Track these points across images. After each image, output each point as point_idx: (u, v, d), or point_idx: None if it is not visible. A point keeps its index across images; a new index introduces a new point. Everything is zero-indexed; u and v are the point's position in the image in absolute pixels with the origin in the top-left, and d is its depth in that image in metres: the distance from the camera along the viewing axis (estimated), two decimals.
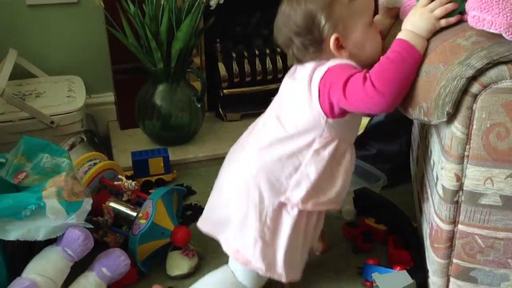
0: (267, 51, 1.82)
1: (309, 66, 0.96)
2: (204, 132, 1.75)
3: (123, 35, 1.56)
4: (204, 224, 1.07)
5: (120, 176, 1.27)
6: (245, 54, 1.81)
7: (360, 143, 1.47)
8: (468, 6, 0.84)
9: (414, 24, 0.87)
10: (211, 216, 1.06)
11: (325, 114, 0.93)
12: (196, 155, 1.65)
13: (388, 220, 1.26)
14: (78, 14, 1.75)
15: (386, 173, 1.36)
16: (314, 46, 0.94)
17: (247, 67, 1.81)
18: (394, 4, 1.04)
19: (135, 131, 1.77)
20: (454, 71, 0.81)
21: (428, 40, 0.89)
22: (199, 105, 1.65)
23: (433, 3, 0.87)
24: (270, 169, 0.97)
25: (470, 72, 0.80)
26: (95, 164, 1.26)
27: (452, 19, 0.87)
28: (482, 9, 0.81)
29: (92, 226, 1.05)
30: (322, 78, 0.92)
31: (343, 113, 0.94)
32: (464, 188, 0.88)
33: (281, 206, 0.97)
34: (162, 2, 1.50)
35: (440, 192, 0.92)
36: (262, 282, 1.05)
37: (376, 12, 1.03)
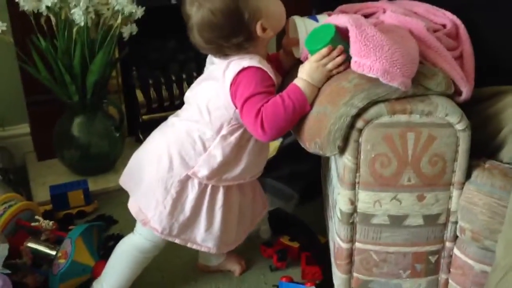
0: (184, 76, 1.88)
1: (227, 65, 1.04)
2: (125, 159, 1.73)
3: (35, 70, 1.56)
4: (123, 180, 1.19)
5: (37, 217, 1.28)
6: (162, 80, 1.86)
7: (274, 164, 1.57)
8: (351, 52, 0.94)
9: (310, 75, 0.98)
10: (129, 174, 1.17)
11: (234, 105, 1.03)
12: (117, 184, 1.64)
13: (300, 238, 1.36)
14: None
15: (300, 191, 1.46)
16: (248, 41, 1.02)
17: (164, 93, 1.86)
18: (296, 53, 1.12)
19: (54, 162, 1.76)
20: (340, 110, 0.91)
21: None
22: (117, 135, 1.68)
23: (325, 59, 0.97)
24: (183, 144, 1.08)
25: (354, 111, 0.91)
26: (10, 206, 1.26)
27: (341, 68, 0.97)
28: (362, 55, 0.91)
29: (9, 271, 1.06)
30: (235, 76, 1.01)
31: None
32: (358, 210, 0.99)
33: (187, 178, 1.08)
34: (74, 36, 1.52)
35: (338, 214, 1.02)
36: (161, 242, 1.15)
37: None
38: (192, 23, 1.02)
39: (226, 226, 1.13)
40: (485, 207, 0.90)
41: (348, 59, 0.95)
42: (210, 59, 1.11)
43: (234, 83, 1.01)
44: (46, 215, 1.47)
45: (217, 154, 1.07)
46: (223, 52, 1.04)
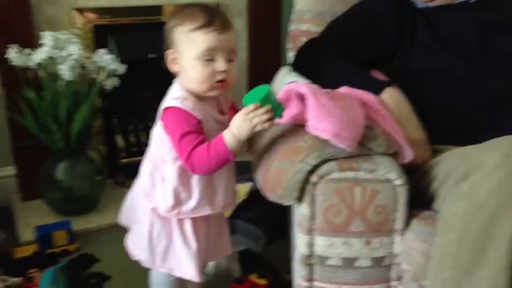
0: None
1: (169, 90, 1.14)
2: (105, 200, 1.88)
3: (23, 118, 1.68)
4: (121, 218, 1.30)
5: (1, 277, 1.34)
6: (141, 126, 2.00)
7: (244, 206, 1.71)
8: (307, 115, 1.08)
9: (237, 127, 1.05)
10: (125, 210, 1.29)
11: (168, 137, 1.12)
12: (98, 224, 1.78)
13: (268, 276, 1.49)
14: None
15: (267, 232, 1.59)
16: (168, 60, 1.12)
17: (143, 138, 1.99)
18: None
19: (37, 203, 1.86)
20: (297, 167, 1.06)
21: (278, 140, 1.13)
22: (99, 178, 1.80)
23: (252, 114, 1.04)
24: (145, 181, 1.18)
25: (308, 168, 1.05)
26: None
27: (266, 125, 1.05)
28: (316, 120, 1.05)
29: None
30: (162, 114, 1.10)
31: None
32: (315, 253, 1.12)
33: (153, 213, 1.17)
34: (60, 89, 1.64)
35: (299, 256, 1.15)
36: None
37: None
38: None
39: (201, 253, 1.21)
40: (421, 252, 1.04)
41: (273, 118, 1.05)
42: None
43: (162, 119, 1.10)
44: (33, 256, 1.58)
45: (167, 184, 1.14)
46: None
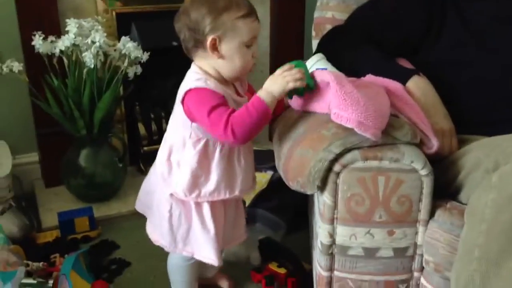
0: None
1: (191, 69, 1.15)
2: (126, 188, 1.90)
3: (47, 105, 1.70)
4: (137, 205, 1.32)
5: (25, 261, 1.36)
6: (163, 114, 2.00)
7: (265, 195, 1.70)
8: (331, 105, 1.08)
9: (270, 85, 1.10)
10: (141, 198, 1.31)
11: (189, 119, 1.13)
12: (119, 211, 1.80)
13: (287, 265, 1.48)
14: (1, 83, 1.85)
15: (287, 222, 1.58)
16: (195, 41, 1.11)
17: (164, 126, 2.00)
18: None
19: (60, 189, 1.88)
20: (320, 155, 1.05)
21: (301, 128, 1.13)
22: (121, 165, 1.81)
23: (286, 72, 1.10)
24: (162, 166, 1.19)
25: (331, 156, 1.04)
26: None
27: (298, 83, 1.09)
28: (340, 108, 1.04)
29: None
30: (185, 94, 1.11)
31: None
32: (336, 243, 1.11)
33: (172, 197, 1.19)
34: (84, 76, 1.66)
35: (319, 246, 1.15)
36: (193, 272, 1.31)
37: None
38: None
39: (219, 238, 1.22)
40: (445, 243, 1.03)
41: (310, 86, 1.11)
42: None
43: (184, 103, 1.11)
44: (55, 242, 1.60)
45: (186, 168, 1.15)
46: (188, 52, 1.15)
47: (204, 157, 1.16)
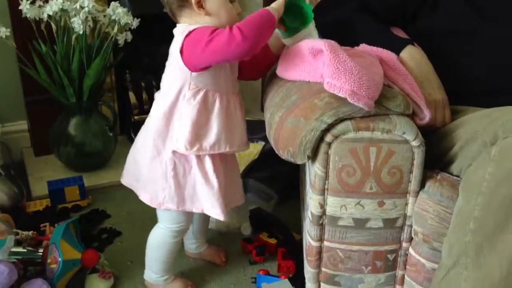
0: None
1: (178, 27, 1.15)
2: (117, 157, 1.88)
3: (35, 72, 1.67)
4: (124, 178, 1.29)
5: (15, 230, 1.36)
6: (154, 83, 1.97)
7: (256, 166, 1.70)
8: (324, 74, 1.06)
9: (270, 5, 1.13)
10: (128, 173, 1.28)
11: (188, 68, 1.12)
12: (110, 180, 1.79)
13: (277, 235, 1.49)
14: None
15: (278, 192, 1.58)
16: (180, 2, 1.12)
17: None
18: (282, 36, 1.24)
19: (50, 158, 1.87)
20: (311, 124, 1.04)
21: (293, 96, 1.11)
22: (111, 134, 1.80)
23: None
24: (158, 125, 1.18)
25: (323, 126, 1.03)
26: None
27: None
28: (333, 77, 1.02)
29: (15, 260, 1.17)
30: (186, 37, 1.10)
31: (205, 67, 1.13)
32: (326, 213, 1.11)
33: (175, 155, 1.18)
34: (72, 42, 1.62)
35: (310, 216, 1.15)
36: (185, 222, 1.28)
37: None
38: None
39: (223, 193, 1.22)
40: (434, 214, 1.03)
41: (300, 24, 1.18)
42: None
43: (184, 47, 1.10)
44: (45, 211, 1.59)
45: (186, 121, 1.15)
46: (173, 15, 1.16)
47: (204, 108, 1.16)
